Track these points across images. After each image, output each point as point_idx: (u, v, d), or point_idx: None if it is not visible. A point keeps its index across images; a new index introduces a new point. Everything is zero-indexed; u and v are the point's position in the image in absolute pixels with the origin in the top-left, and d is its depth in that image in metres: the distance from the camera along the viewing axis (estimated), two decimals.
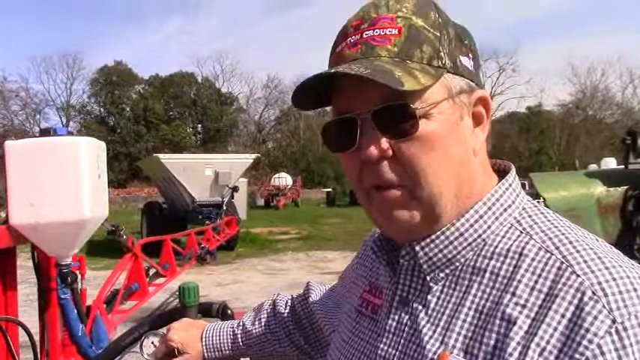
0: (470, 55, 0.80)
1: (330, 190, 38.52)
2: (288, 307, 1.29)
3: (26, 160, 1.86)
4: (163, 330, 1.34)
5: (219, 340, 1.28)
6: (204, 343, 1.27)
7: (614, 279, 0.68)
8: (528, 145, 46.68)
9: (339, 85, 0.79)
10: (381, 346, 0.84)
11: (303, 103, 0.83)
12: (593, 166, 13.38)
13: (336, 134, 0.80)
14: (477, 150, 0.80)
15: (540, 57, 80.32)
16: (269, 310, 1.31)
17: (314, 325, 1.25)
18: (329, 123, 0.82)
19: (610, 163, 14.04)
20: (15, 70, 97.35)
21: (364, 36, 0.77)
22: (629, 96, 50.51)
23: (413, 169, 0.75)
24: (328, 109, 0.84)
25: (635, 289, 0.68)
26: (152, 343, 1.33)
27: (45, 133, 1.94)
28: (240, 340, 1.28)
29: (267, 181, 35.10)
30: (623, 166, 4.47)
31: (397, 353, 0.81)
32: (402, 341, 0.82)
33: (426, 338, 0.78)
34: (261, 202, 33.31)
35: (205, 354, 1.27)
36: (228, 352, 1.28)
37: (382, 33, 0.76)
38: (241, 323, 1.30)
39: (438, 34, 0.76)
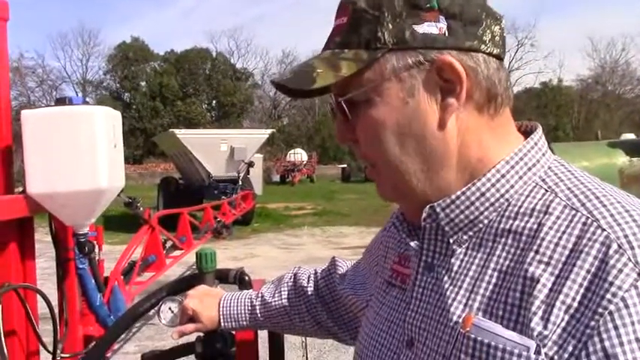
0: (439, 17, 0.74)
1: (345, 166, 38.43)
2: (311, 282, 1.27)
3: (42, 129, 1.85)
4: (181, 296, 1.34)
5: (237, 310, 1.27)
6: (221, 313, 1.26)
7: None
8: (545, 120, 46.11)
9: None
10: (409, 312, 0.82)
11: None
12: None
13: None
14: (447, 121, 0.75)
15: (559, 31, 78.77)
16: (290, 284, 1.28)
17: (338, 300, 1.22)
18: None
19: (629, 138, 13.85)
20: (31, 46, 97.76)
21: (333, 28, 0.79)
22: None
23: (368, 152, 0.80)
24: None
25: None
26: (169, 308, 1.33)
27: (60, 102, 1.92)
28: (258, 311, 1.27)
29: (283, 157, 35.15)
30: None
31: (422, 318, 0.80)
32: (427, 306, 0.80)
33: (449, 301, 0.76)
34: (276, 177, 33.42)
35: (222, 323, 1.26)
36: (245, 322, 1.27)
37: (338, 23, 0.78)
38: (260, 295, 1.28)
39: (377, 14, 0.74)
